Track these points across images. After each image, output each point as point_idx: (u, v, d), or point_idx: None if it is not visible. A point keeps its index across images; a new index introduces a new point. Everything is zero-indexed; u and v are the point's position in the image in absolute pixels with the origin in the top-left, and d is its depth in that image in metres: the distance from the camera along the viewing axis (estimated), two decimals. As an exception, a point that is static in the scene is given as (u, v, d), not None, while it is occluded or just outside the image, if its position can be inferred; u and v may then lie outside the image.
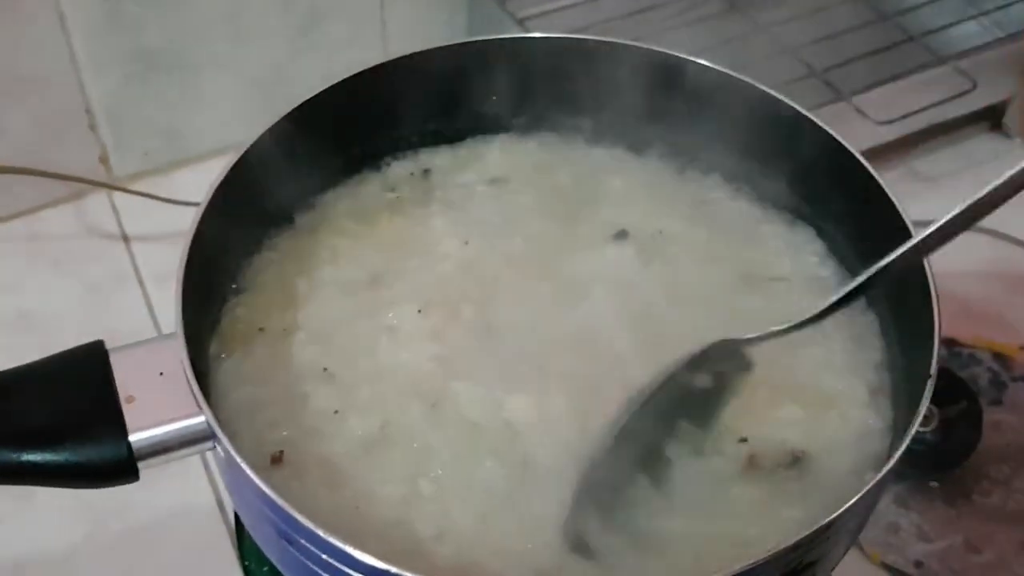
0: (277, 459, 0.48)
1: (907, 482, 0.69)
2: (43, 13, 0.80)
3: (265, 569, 0.55)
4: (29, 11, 0.79)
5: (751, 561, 0.40)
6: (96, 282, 0.83)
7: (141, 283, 0.84)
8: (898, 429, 0.50)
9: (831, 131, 0.56)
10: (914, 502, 0.69)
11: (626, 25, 0.86)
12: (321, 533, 0.40)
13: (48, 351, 0.49)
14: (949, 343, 0.76)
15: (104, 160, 0.89)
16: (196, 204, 0.78)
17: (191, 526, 0.69)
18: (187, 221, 0.80)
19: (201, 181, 0.84)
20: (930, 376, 0.45)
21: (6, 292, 0.82)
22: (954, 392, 0.73)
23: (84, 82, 0.85)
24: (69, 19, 0.81)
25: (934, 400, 0.70)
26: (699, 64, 0.59)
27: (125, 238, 0.87)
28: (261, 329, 0.54)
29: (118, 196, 0.89)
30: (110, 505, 0.69)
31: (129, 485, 0.66)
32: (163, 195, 0.84)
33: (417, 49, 0.60)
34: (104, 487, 0.46)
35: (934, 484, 0.70)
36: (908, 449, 0.66)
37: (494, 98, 0.63)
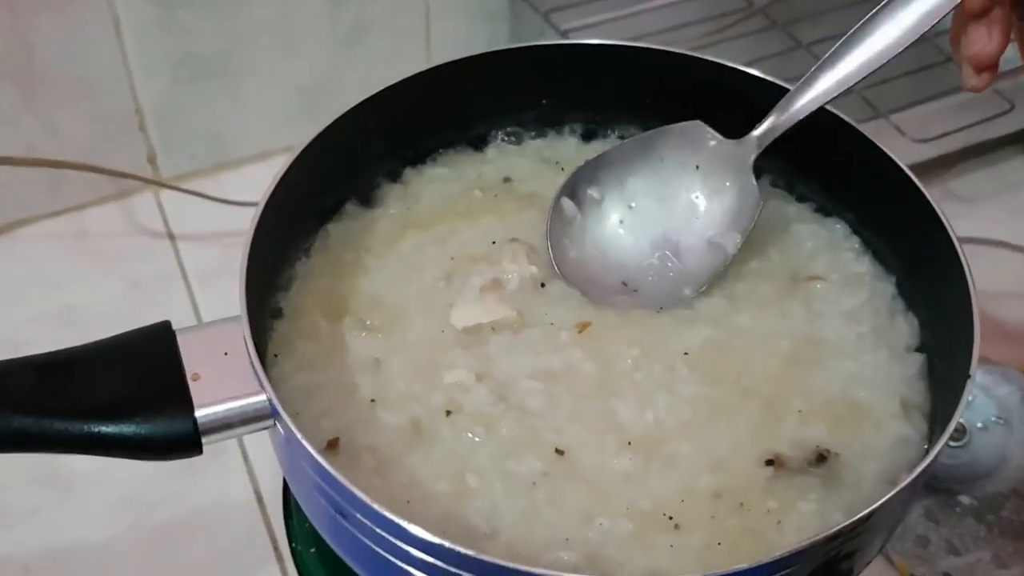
0: (333, 444, 0.49)
1: (937, 496, 0.70)
2: (99, 17, 0.82)
3: (312, 551, 0.57)
4: (85, 15, 0.81)
5: (793, 548, 0.41)
6: (141, 279, 0.85)
7: (186, 280, 0.85)
8: (934, 437, 0.51)
9: (868, 135, 0.58)
10: (944, 516, 0.69)
11: (668, 39, 0.88)
12: (376, 507, 0.41)
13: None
14: (982, 361, 0.76)
15: (152, 160, 0.91)
16: (242, 204, 0.81)
17: (230, 518, 0.70)
18: (233, 221, 0.83)
19: (245, 184, 0.87)
20: (969, 376, 0.46)
21: (53, 287, 0.84)
22: (986, 408, 0.74)
23: (135, 84, 0.86)
24: (123, 23, 0.83)
25: (966, 416, 0.71)
26: (743, 72, 0.61)
27: (171, 236, 0.88)
28: (320, 315, 0.56)
29: (165, 196, 0.90)
30: (150, 496, 0.70)
31: (169, 477, 0.68)
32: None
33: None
34: (169, 460, 0.47)
35: (964, 499, 0.70)
36: (939, 464, 0.68)
37: (544, 102, 0.65)
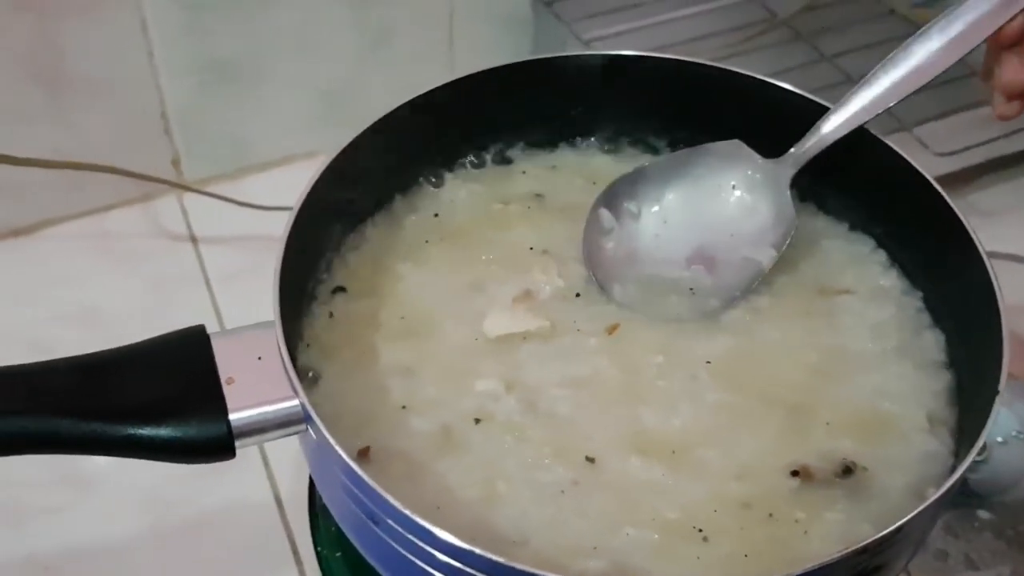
0: (364, 452, 0.50)
1: (956, 510, 0.70)
2: (126, 19, 0.82)
3: (338, 555, 0.57)
4: (113, 17, 0.82)
5: (822, 560, 0.41)
6: (163, 281, 0.85)
7: (208, 283, 0.85)
8: (961, 451, 0.51)
9: (896, 148, 0.58)
10: (963, 531, 0.69)
11: (692, 50, 0.88)
12: (408, 512, 0.41)
13: (115, 345, 0.50)
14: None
15: (176, 163, 0.91)
16: (265, 208, 0.82)
17: (249, 520, 0.70)
18: (255, 225, 0.84)
19: (268, 188, 0.88)
20: (997, 392, 0.46)
21: (76, 287, 0.84)
22: (1007, 423, 0.74)
23: (161, 87, 0.87)
24: (150, 26, 0.83)
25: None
26: (770, 83, 0.61)
27: (193, 239, 0.89)
28: (351, 322, 0.56)
29: (187, 199, 0.91)
30: (170, 497, 0.71)
31: (189, 479, 0.68)
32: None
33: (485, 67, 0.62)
34: (202, 463, 0.47)
35: (983, 513, 0.70)
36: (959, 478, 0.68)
37: (577, 111, 0.65)
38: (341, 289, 0.58)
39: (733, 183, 0.60)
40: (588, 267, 0.59)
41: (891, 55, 0.56)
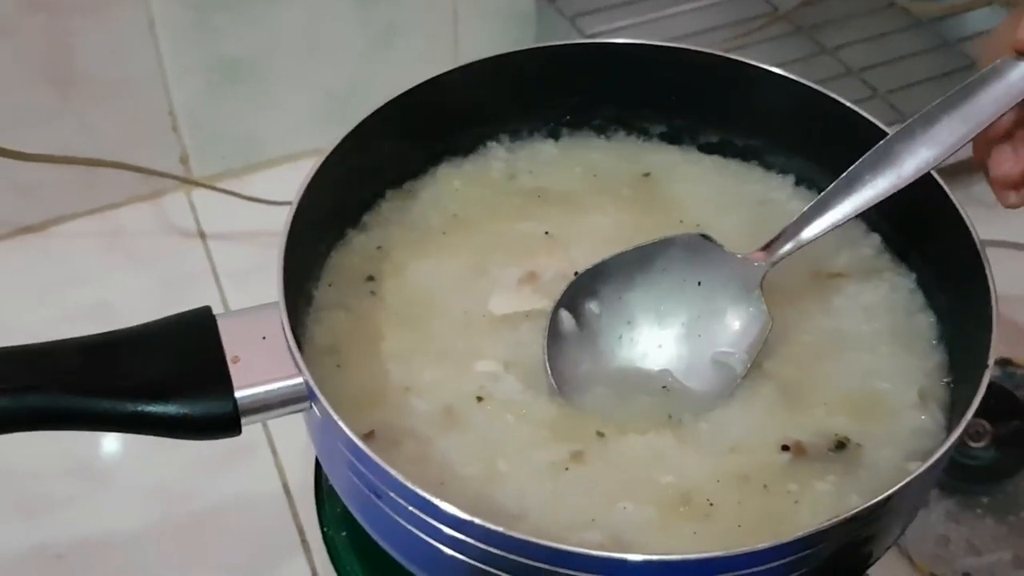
0: (369, 435, 0.51)
1: (958, 497, 0.70)
2: (134, 18, 0.83)
3: (343, 534, 0.58)
4: (121, 16, 0.83)
5: (814, 528, 0.42)
6: (173, 276, 0.86)
7: (216, 278, 0.86)
8: (952, 427, 0.52)
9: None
10: (964, 516, 0.70)
11: (693, 43, 0.88)
12: (410, 485, 0.42)
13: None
14: (1004, 363, 0.77)
15: (184, 161, 0.92)
16: (272, 203, 0.83)
17: (258, 509, 0.71)
18: (262, 222, 0.84)
19: (274, 185, 0.89)
20: (986, 366, 0.47)
21: (87, 283, 0.85)
22: (1007, 410, 0.74)
23: (169, 86, 0.88)
24: (158, 25, 0.84)
25: (987, 417, 0.72)
26: (772, 72, 0.62)
27: (202, 235, 0.90)
28: (354, 302, 0.58)
29: (196, 196, 0.92)
30: (181, 487, 0.72)
31: (199, 469, 0.69)
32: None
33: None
34: (208, 439, 0.48)
35: (984, 499, 0.71)
36: (960, 464, 0.68)
37: (575, 99, 0.66)
38: (345, 271, 0.59)
39: (699, 280, 0.56)
40: (552, 379, 0.54)
41: (875, 149, 0.53)
